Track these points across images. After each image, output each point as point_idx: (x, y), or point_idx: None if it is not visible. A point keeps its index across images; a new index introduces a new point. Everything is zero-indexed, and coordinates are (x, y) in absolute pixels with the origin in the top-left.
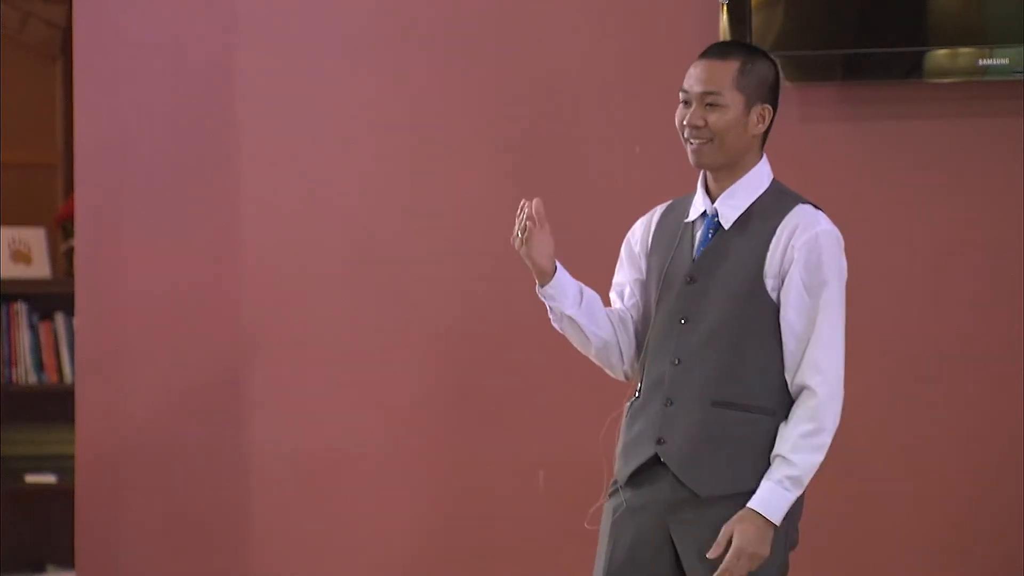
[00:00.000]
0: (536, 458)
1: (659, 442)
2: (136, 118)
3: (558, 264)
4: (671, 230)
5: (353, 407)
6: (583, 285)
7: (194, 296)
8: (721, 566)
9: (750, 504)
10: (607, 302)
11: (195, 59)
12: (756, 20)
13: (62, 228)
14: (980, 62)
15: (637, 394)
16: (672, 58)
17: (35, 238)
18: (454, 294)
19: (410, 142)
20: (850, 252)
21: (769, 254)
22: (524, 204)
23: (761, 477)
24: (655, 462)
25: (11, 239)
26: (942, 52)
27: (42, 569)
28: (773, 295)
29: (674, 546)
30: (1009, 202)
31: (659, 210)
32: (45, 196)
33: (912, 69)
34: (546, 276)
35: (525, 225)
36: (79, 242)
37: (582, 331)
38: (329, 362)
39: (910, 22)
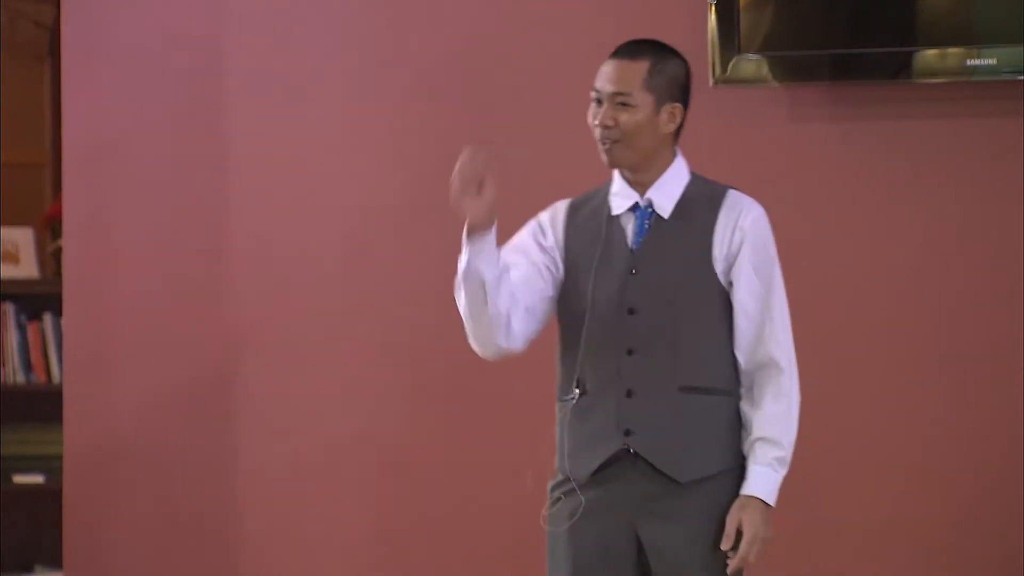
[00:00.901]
0: (532, 458)
1: (627, 434)
2: (125, 118)
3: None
4: (591, 227)
5: (343, 408)
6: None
7: (183, 296)
8: (738, 554)
9: (748, 492)
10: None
11: (184, 58)
12: (744, 20)
13: (50, 228)
14: (968, 62)
15: (578, 391)
16: None
17: (23, 238)
18: (446, 294)
19: (405, 141)
20: (840, 251)
21: (716, 238)
22: (467, 154)
23: (729, 456)
24: (621, 456)
25: None
26: (931, 52)
27: (31, 570)
28: (722, 278)
29: (639, 544)
30: (999, 201)
31: (562, 208)
32: (33, 196)
33: (901, 69)
34: (485, 229)
35: (480, 179)
36: (67, 242)
37: (486, 295)
38: (318, 363)
39: (899, 22)
